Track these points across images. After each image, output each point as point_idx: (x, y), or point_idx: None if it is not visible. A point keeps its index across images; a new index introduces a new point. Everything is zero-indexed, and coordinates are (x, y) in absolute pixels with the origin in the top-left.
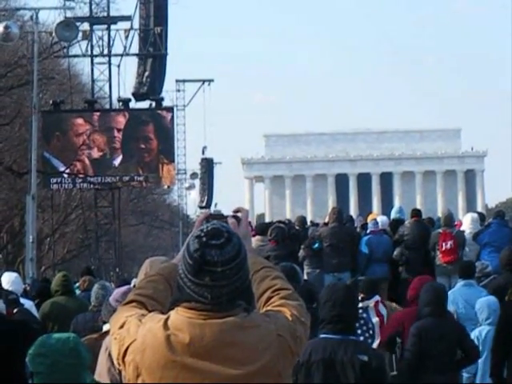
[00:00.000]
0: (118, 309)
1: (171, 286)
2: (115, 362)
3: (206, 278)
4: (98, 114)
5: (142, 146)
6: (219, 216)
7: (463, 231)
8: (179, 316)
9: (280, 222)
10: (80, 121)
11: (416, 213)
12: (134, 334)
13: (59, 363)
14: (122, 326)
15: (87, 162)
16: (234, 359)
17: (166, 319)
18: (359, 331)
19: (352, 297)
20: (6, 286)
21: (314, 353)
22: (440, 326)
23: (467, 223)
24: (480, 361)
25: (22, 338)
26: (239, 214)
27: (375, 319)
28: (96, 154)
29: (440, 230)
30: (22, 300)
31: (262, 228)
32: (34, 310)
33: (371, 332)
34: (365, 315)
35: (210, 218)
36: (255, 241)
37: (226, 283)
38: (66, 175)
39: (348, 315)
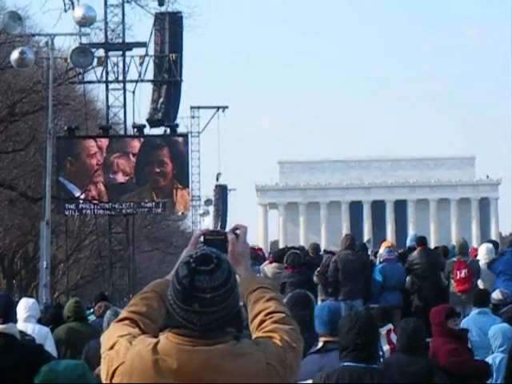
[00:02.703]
0: (110, 325)
1: (165, 303)
2: (103, 382)
3: (194, 305)
4: (112, 139)
5: (157, 169)
6: (216, 233)
7: (478, 260)
8: (168, 341)
9: (294, 248)
10: (91, 143)
11: (421, 241)
12: (122, 356)
13: None
14: (112, 347)
15: (102, 187)
16: None
17: (156, 343)
18: None
19: (374, 325)
20: (23, 311)
21: (341, 381)
22: (409, 361)
23: (482, 253)
24: None
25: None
26: (237, 231)
27: (386, 347)
28: (117, 178)
29: (454, 259)
30: (38, 326)
31: (279, 255)
32: (50, 337)
33: (382, 360)
34: None
35: (207, 235)
36: (272, 268)
37: (215, 309)
38: (80, 201)
39: (371, 343)
